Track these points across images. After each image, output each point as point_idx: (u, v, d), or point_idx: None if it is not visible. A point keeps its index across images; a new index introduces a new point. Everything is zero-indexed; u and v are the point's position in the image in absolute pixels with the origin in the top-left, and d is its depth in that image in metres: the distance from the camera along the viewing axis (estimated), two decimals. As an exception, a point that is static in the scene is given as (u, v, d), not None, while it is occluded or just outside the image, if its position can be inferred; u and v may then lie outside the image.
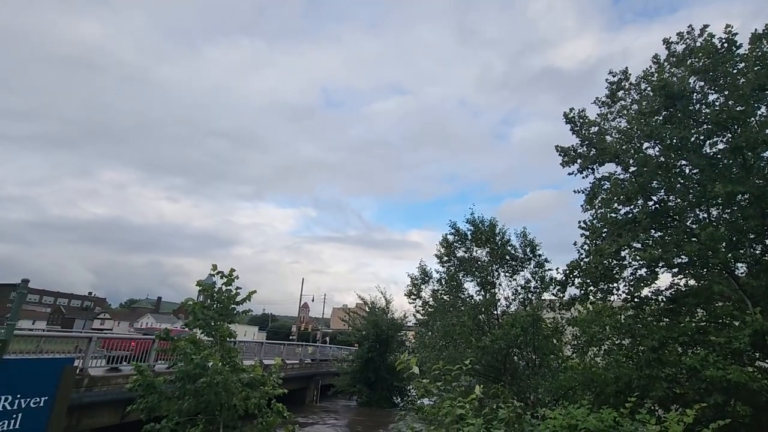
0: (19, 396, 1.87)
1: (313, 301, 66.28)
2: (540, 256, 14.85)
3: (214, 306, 8.37)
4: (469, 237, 15.58)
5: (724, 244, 8.02)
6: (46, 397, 1.95)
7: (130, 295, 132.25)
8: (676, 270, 9.33)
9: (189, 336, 8.00)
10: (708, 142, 9.04)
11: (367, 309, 29.30)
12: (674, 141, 8.90)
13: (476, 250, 15.58)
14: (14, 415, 1.87)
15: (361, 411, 24.29)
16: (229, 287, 8.59)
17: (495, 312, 14.70)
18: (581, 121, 10.26)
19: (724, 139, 8.82)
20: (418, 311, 16.92)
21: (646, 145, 9.60)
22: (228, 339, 8.43)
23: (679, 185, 9.16)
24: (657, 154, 9.41)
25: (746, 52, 8.63)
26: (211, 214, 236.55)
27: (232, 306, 8.51)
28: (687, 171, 9.29)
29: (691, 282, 9.43)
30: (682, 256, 8.66)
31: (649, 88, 9.68)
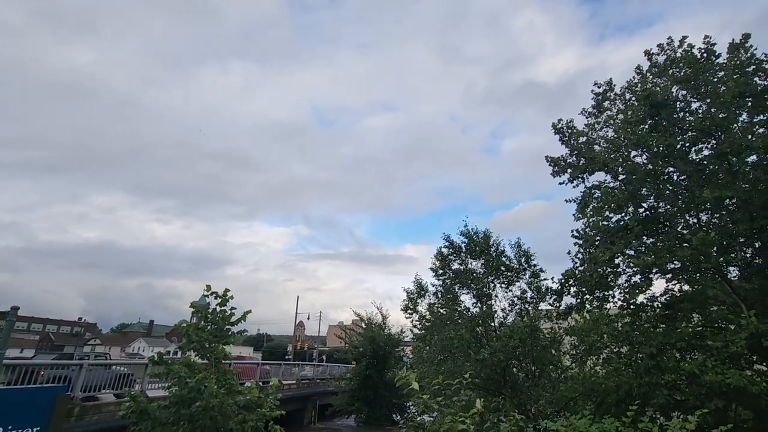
0: (10, 428, 1.81)
1: (308, 319, 65.55)
2: (535, 266, 14.87)
3: (209, 327, 8.25)
4: (464, 249, 15.58)
5: (715, 249, 8.12)
6: (38, 428, 1.89)
7: (122, 320, 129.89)
8: (669, 276, 9.41)
9: (183, 359, 7.85)
10: (694, 148, 9.24)
11: (363, 325, 28.99)
12: (661, 148, 9.08)
13: (471, 262, 15.58)
14: (5, 448, 1.80)
15: (361, 430, 23.82)
16: (223, 308, 8.48)
17: (492, 324, 14.62)
18: (569, 131, 10.45)
19: (709, 146, 9.02)
20: (414, 326, 16.77)
21: (633, 153, 9.78)
22: (223, 361, 8.28)
23: (668, 191, 9.31)
24: (645, 161, 9.59)
25: (725, 61, 8.91)
26: (203, 235, 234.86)
27: (227, 327, 8.39)
28: (675, 177, 9.46)
29: (686, 287, 9.51)
30: (675, 262, 8.74)
31: (633, 98, 9.91)
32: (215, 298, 8.50)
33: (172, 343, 73.73)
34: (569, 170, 10.32)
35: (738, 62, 8.65)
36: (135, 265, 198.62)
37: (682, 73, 9.23)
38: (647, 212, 9.48)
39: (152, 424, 7.08)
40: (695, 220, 9.25)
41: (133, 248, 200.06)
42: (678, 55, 9.44)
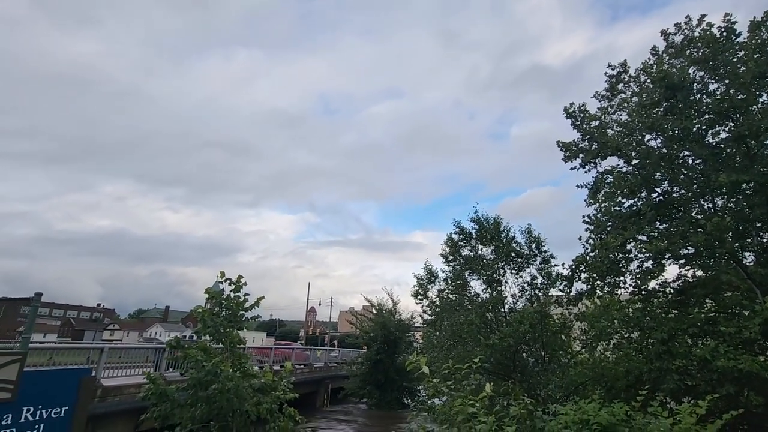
0: (40, 407, 1.92)
1: (320, 305, 66.51)
2: (546, 252, 14.82)
3: (223, 313, 8.44)
4: (474, 235, 15.56)
5: (730, 234, 7.99)
6: (67, 407, 2.00)
7: (137, 306, 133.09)
8: (683, 261, 9.30)
9: (199, 343, 8.07)
10: (710, 131, 9.02)
11: (374, 311, 29.31)
12: (676, 132, 8.88)
13: (481, 249, 15.57)
14: (37, 426, 1.92)
15: (372, 413, 24.30)
16: (237, 294, 8.66)
17: (502, 310, 14.67)
18: (582, 115, 10.26)
19: (727, 129, 8.79)
20: (425, 311, 16.92)
21: (647, 137, 9.59)
22: (238, 345, 8.49)
23: (682, 176, 9.13)
24: (659, 145, 9.40)
25: (745, 40, 8.61)
26: (212, 223, 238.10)
27: (241, 312, 8.58)
28: (690, 161, 9.27)
29: (699, 273, 9.40)
30: (689, 247, 8.63)
31: (648, 80, 9.67)
32: (229, 284, 8.69)
33: (188, 328, 75.48)
34: (581, 155, 10.17)
35: (759, 41, 8.35)
36: (147, 252, 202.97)
37: (700, 54, 8.95)
38: (661, 197, 9.33)
39: (171, 405, 7.35)
40: (710, 205, 9.08)
41: (145, 236, 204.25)
42: (696, 34, 9.14)
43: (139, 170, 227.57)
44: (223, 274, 8.75)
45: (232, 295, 8.63)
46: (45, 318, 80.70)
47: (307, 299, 55.46)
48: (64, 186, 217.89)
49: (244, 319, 8.67)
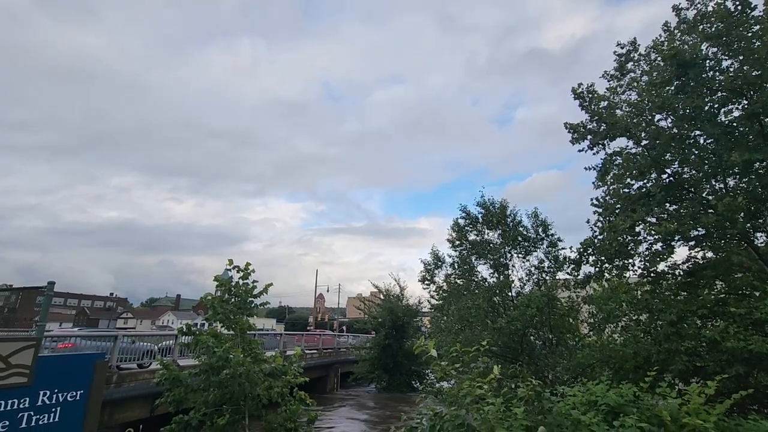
0: (56, 391, 1.97)
1: (327, 291, 67.20)
2: (553, 235, 14.75)
3: (232, 300, 8.56)
4: (480, 220, 15.51)
5: (742, 214, 7.86)
6: (82, 391, 2.05)
7: (147, 295, 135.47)
8: (693, 243, 9.19)
9: (210, 330, 8.21)
10: (723, 110, 8.80)
11: (381, 297, 29.53)
12: (687, 111, 8.68)
13: (488, 233, 15.54)
14: (53, 409, 1.97)
15: (381, 396, 24.69)
16: (245, 281, 8.76)
17: (509, 294, 14.70)
18: (590, 96, 10.06)
19: (740, 106, 8.57)
20: (432, 296, 17.01)
21: (658, 116, 9.39)
22: (248, 331, 8.62)
23: (693, 156, 8.96)
24: (669, 125, 9.21)
25: (761, 14, 8.32)
26: (217, 212, 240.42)
27: (250, 299, 8.69)
28: (701, 141, 9.08)
29: (709, 254, 9.29)
30: (699, 229, 8.52)
31: (659, 58, 9.42)
32: (237, 271, 8.77)
33: (199, 315, 76.77)
34: (589, 137, 10.01)
35: (775, 14, 8.07)
36: (155, 242, 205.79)
37: (713, 29, 8.67)
38: (671, 178, 9.19)
39: (185, 390, 7.52)
40: (722, 185, 8.92)
41: (152, 226, 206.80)
42: (709, 9, 8.85)
43: (144, 161, 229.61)
44: (231, 261, 8.83)
45: (241, 282, 8.73)
46: (60, 307, 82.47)
47: (315, 286, 56.04)
48: (71, 178, 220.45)
49: (253, 305, 8.77)
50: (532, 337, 13.65)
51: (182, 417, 7.27)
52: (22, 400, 1.86)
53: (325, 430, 15.84)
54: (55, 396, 1.95)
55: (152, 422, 11.04)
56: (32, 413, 1.89)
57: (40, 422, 1.91)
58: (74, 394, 2.00)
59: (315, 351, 26.22)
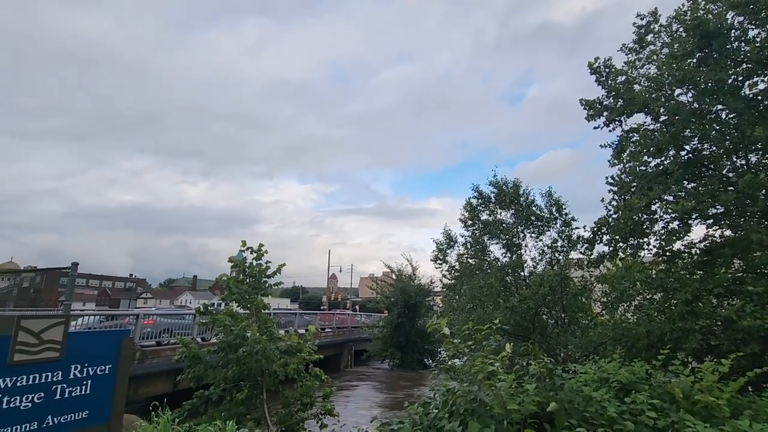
0: (86, 364, 2.08)
1: (340, 271, 68.06)
2: (566, 215, 14.61)
3: (247, 280, 8.74)
4: (493, 200, 15.41)
5: (763, 191, 7.65)
6: (110, 365, 2.15)
7: (165, 276, 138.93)
8: (710, 221, 9.01)
9: (226, 309, 8.43)
10: (747, 83, 8.45)
11: (393, 277, 29.80)
12: (709, 84, 8.37)
13: (500, 213, 15.45)
14: (84, 382, 2.08)
15: (394, 373, 25.22)
16: (259, 262, 8.92)
17: (522, 273, 14.70)
18: (607, 70, 9.75)
19: (766, 79, 8.23)
20: (444, 276, 17.12)
21: (678, 91, 9.08)
22: (263, 310, 8.83)
23: (714, 132, 8.68)
24: (690, 100, 8.91)
25: (792, -21, 7.88)
26: (229, 195, 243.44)
27: (264, 279, 8.86)
28: (723, 116, 8.77)
29: (728, 232, 9.11)
30: (718, 207, 8.33)
31: (681, 29, 9.04)
32: (251, 253, 8.93)
33: (215, 295, 78.68)
34: (605, 113, 9.75)
35: (807, -21, 7.64)
36: (169, 225, 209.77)
37: (739, -3, 8.26)
38: (689, 155, 8.95)
39: (204, 367, 7.79)
40: (743, 162, 8.66)
41: (166, 209, 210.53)
42: (736, -25, 8.40)
43: (153, 145, 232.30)
44: (244, 243, 8.99)
45: (255, 263, 8.89)
46: (83, 288, 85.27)
47: (328, 266, 56.78)
48: (84, 163, 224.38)
49: (267, 286, 8.96)
50: (544, 316, 13.71)
51: (203, 392, 7.57)
52: (55, 374, 1.97)
53: (340, 405, 16.31)
54: (85, 370, 2.06)
55: (175, 396, 11.52)
56: (65, 385, 2.00)
57: (73, 394, 2.03)
58: (103, 368, 2.11)
59: (329, 329, 26.80)
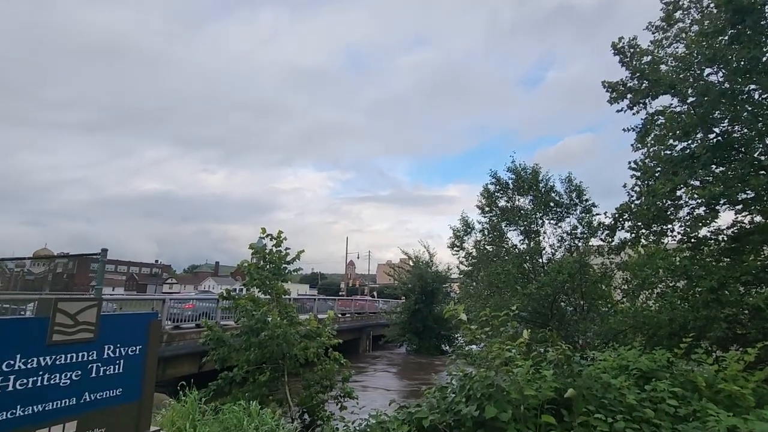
0: (119, 345, 2.20)
1: (358, 258, 68.68)
2: (587, 201, 14.31)
3: (267, 266, 8.93)
4: (511, 186, 15.20)
5: (797, 175, 7.33)
6: (140, 346, 2.28)
7: (188, 262, 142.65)
8: (740, 206, 8.70)
9: (248, 294, 8.65)
10: (783, 61, 8.03)
11: (411, 263, 29.90)
12: (742, 63, 7.98)
13: (519, 199, 15.24)
14: (117, 361, 2.20)
15: (412, 358, 25.52)
16: (279, 248, 9.09)
17: (540, 260, 14.55)
18: (632, 50, 9.39)
19: (804, 56, 7.80)
20: (461, 262, 17.08)
21: (707, 71, 8.69)
22: (283, 296, 9.02)
23: (746, 113, 8.31)
24: (720, 80, 8.52)
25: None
26: (248, 183, 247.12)
27: (284, 265, 9.04)
28: (756, 96, 8.38)
29: (758, 218, 8.78)
30: (748, 191, 8.03)
31: (712, 5, 8.61)
32: (270, 239, 9.10)
33: (237, 281, 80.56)
34: (629, 95, 9.43)
35: None
36: (191, 212, 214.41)
37: (777, -32, 7.80)
38: (718, 138, 8.60)
39: (228, 349, 8.06)
40: (776, 145, 8.29)
41: (187, 197, 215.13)
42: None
43: (174, 136, 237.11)
44: (264, 230, 9.16)
45: (274, 249, 9.06)
46: (111, 273, 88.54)
47: (346, 253, 57.37)
48: (109, 153, 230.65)
49: (287, 271, 9.13)
50: (562, 303, 13.58)
51: (227, 374, 7.84)
52: (90, 353, 2.10)
53: (358, 388, 16.65)
54: (117, 350, 2.18)
55: (200, 377, 11.97)
56: (99, 365, 2.13)
57: (107, 373, 2.16)
58: (134, 348, 2.24)
59: (348, 315, 27.22)
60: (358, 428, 5.04)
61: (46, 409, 1.92)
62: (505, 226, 15.24)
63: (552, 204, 14.43)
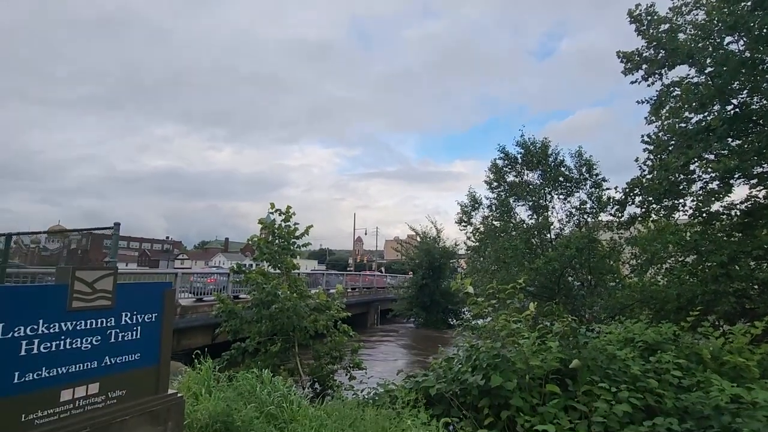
0: (135, 312, 2.28)
1: (365, 234, 69.01)
2: (597, 175, 14.10)
3: (276, 241, 9.03)
4: (520, 160, 15.00)
5: (817, 148, 7.14)
6: (156, 314, 2.35)
7: (199, 238, 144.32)
8: (755, 181, 8.53)
9: (258, 268, 8.80)
10: (809, 27, 7.68)
11: (418, 239, 30.03)
12: (764, 31, 7.66)
13: (527, 174, 15.07)
14: (134, 328, 2.28)
15: (419, 332, 25.99)
16: (287, 223, 9.15)
17: (548, 235, 14.51)
18: (649, 18, 9.04)
19: (831, 22, 7.44)
20: (469, 238, 17.10)
21: (728, 39, 8.36)
22: (293, 270, 9.16)
23: (766, 84, 8.03)
24: (741, 48, 8.20)
25: None
26: (255, 159, 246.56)
27: (293, 240, 9.13)
28: (778, 66, 8.07)
29: (773, 192, 8.63)
30: (764, 165, 7.86)
31: (737, -32, 8.19)
32: (279, 215, 9.16)
33: (246, 257, 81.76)
34: (644, 66, 9.15)
35: None
36: (200, 189, 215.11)
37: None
38: (736, 109, 8.35)
39: (239, 321, 8.27)
40: (797, 116, 8.04)
41: (196, 174, 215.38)
42: None
43: (180, 112, 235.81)
44: (273, 205, 9.21)
45: (283, 224, 9.14)
46: (124, 249, 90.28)
47: (354, 229, 57.60)
48: (118, 130, 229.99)
49: (296, 246, 9.23)
50: (570, 278, 13.62)
51: (240, 344, 8.08)
52: (108, 319, 2.18)
53: (367, 359, 17.07)
54: (134, 317, 2.26)
55: (214, 348, 12.35)
56: (118, 330, 2.22)
57: (125, 338, 2.24)
58: (150, 316, 2.31)
59: (356, 290, 27.63)
60: (367, 396, 5.21)
61: (70, 371, 2.02)
62: (513, 202, 15.15)
63: (561, 179, 14.26)
